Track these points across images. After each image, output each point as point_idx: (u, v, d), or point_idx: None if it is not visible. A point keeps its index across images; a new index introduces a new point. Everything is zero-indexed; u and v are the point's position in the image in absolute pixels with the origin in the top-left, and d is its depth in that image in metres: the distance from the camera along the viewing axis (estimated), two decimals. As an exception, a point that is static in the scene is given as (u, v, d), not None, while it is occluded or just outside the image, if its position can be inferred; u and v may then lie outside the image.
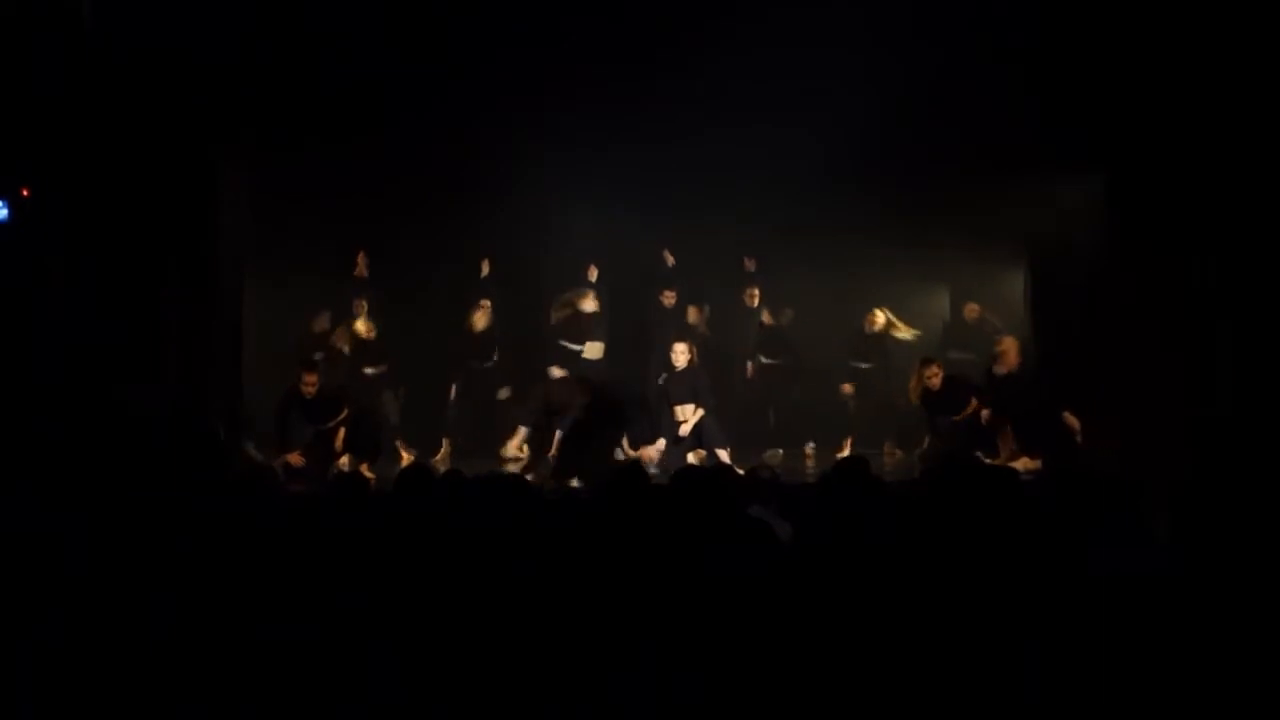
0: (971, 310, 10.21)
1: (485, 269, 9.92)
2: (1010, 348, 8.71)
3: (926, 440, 9.11)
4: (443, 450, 9.43)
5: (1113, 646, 2.47)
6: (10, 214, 7.45)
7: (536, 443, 8.90)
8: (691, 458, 8.65)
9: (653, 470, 7.99)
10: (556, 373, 9.37)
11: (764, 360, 9.97)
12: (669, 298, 9.95)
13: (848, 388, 9.93)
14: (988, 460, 7.57)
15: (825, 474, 3.84)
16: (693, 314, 10.05)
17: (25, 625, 2.80)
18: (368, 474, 8.19)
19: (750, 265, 10.17)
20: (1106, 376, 8.02)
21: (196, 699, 2.63)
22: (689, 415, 8.77)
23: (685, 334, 9.37)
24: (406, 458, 9.01)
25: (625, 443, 8.75)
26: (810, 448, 9.74)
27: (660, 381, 9.22)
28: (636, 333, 10.04)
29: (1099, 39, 7.54)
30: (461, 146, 8.61)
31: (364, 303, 9.68)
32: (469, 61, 7.93)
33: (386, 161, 8.75)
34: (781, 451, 9.44)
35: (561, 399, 8.75)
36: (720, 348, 10.05)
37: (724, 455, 8.47)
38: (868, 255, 9.96)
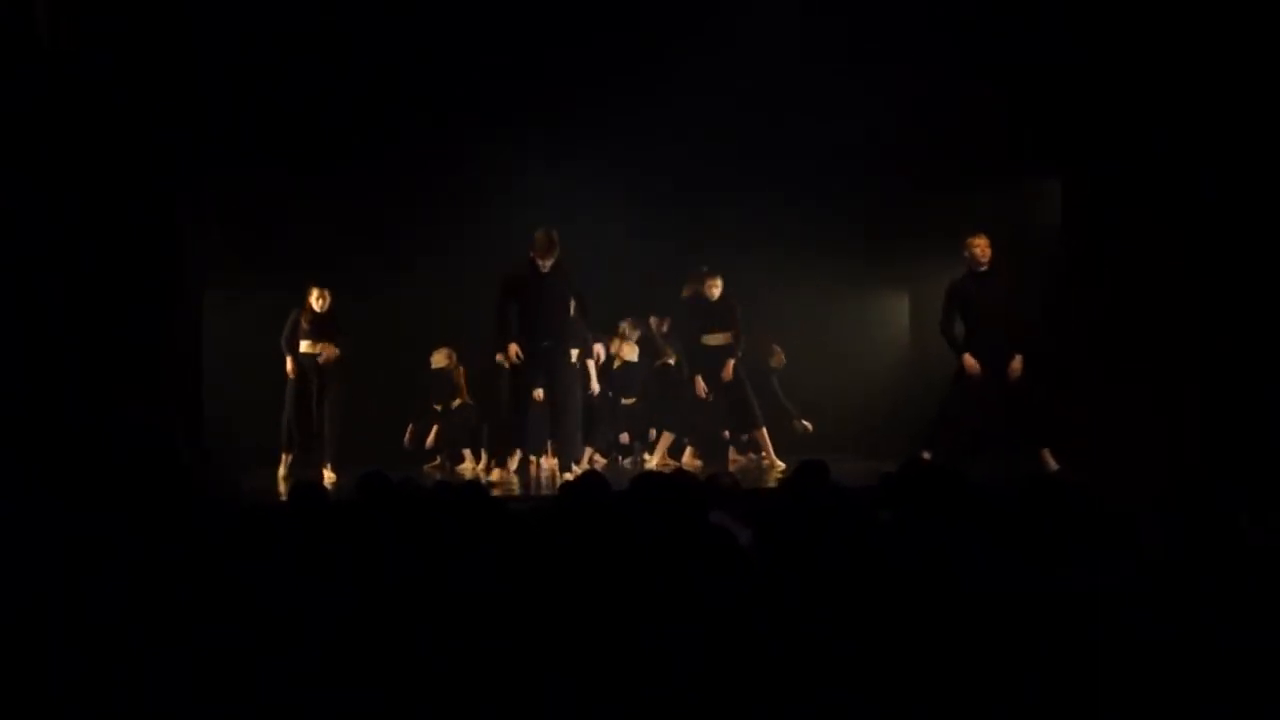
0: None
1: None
2: None
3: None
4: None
5: (1094, 662, 2.46)
6: None
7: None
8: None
9: None
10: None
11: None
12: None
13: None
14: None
15: (786, 480, 3.84)
16: (653, 322, 9.73)
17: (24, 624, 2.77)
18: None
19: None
20: (1073, 381, 8.06)
21: (184, 700, 2.60)
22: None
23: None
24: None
25: None
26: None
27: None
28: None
29: (1072, 44, 7.61)
30: (441, 150, 8.58)
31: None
32: (450, 71, 7.92)
33: (352, 174, 8.68)
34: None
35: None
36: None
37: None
38: (832, 261, 9.94)
